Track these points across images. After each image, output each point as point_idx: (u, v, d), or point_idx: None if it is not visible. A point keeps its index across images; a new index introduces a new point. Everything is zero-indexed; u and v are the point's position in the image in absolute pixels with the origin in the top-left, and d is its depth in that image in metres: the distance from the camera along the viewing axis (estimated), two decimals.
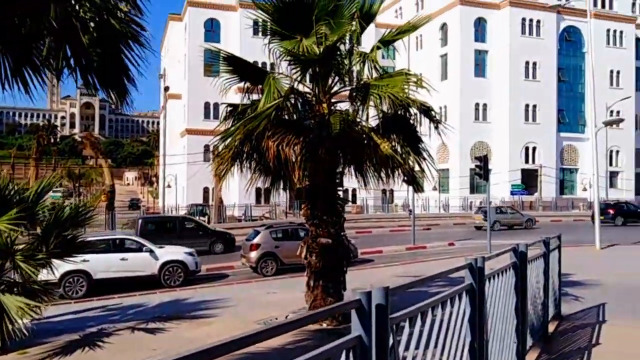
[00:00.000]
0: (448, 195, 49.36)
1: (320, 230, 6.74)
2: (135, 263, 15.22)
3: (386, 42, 6.75)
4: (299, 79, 6.74)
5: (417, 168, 6.72)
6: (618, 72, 52.37)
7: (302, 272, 16.20)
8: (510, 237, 24.79)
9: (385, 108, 6.23)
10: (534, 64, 49.94)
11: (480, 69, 50.73)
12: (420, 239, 24.17)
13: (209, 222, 39.06)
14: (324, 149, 5.97)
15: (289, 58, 6.37)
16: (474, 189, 48.57)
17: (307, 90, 6.98)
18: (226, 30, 49.99)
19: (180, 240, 21.44)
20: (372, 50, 6.51)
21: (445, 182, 51.09)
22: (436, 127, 6.92)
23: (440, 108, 51.82)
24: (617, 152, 52.52)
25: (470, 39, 50.05)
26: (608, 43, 52.12)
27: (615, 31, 52.63)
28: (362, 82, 6.48)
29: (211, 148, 6.78)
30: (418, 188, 7.17)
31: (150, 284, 14.66)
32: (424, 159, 6.95)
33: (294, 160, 5.80)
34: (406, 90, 6.13)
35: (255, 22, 8.34)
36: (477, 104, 50.02)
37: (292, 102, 6.40)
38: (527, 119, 49.63)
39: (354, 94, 6.57)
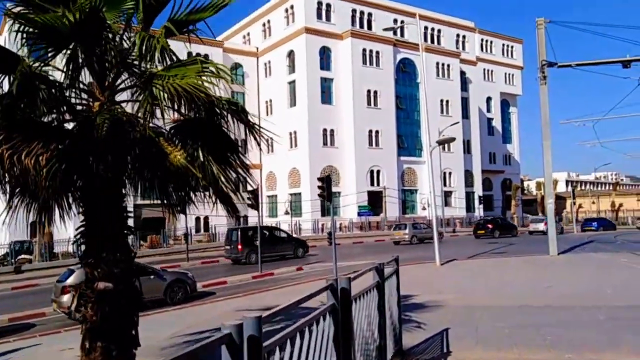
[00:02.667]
0: (300, 218, 49.31)
1: (98, 271, 4.97)
2: None
3: (181, 23, 5.29)
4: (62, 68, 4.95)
5: (224, 181, 5.23)
6: (447, 101, 57.71)
7: None
8: (407, 252, 25.68)
9: (173, 104, 4.77)
10: (375, 92, 52.70)
11: (326, 95, 52.09)
12: (268, 265, 23.01)
13: (32, 261, 33.67)
14: (95, 161, 4.30)
15: (38, 34, 4.54)
16: (325, 211, 49.18)
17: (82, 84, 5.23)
18: None
19: (272, 245, 26.44)
20: (161, 34, 5.01)
21: (297, 205, 51.13)
22: (252, 133, 5.62)
23: (290, 133, 52.17)
24: (450, 173, 57.50)
25: (316, 66, 51.26)
26: (438, 75, 57.26)
27: (443, 64, 58.10)
28: (147, 72, 4.91)
29: None
30: (232, 210, 5.77)
31: None
32: (237, 172, 5.56)
33: (36, 174, 4.00)
34: (203, 83, 4.72)
35: None
36: (325, 130, 51.08)
37: (45, 96, 4.58)
38: (370, 144, 51.91)
39: (138, 88, 5.00)
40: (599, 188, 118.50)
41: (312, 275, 18.85)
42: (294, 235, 32.48)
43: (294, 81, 52.54)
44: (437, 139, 40.91)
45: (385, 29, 22.94)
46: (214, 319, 10.90)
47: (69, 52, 4.70)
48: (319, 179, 16.90)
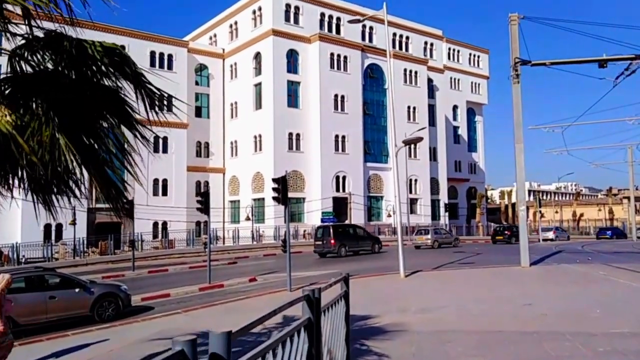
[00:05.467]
0: (263, 225, 47.42)
1: None
2: None
3: None
4: None
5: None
6: (414, 108, 56.94)
7: (46, 333, 11.88)
8: (417, 257, 25.65)
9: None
10: (343, 97, 51.45)
11: (293, 99, 50.51)
12: (221, 275, 21.16)
13: None
14: None
15: None
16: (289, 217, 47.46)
17: None
18: None
19: (356, 241, 30.81)
20: None
21: (261, 211, 49.25)
22: (139, 91, 3.93)
23: (255, 136, 50.32)
24: (416, 180, 56.64)
25: (283, 69, 49.66)
26: (405, 81, 56.46)
27: (410, 71, 57.37)
28: None
29: None
30: (118, 207, 4.07)
31: None
32: (110, 151, 3.83)
33: None
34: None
35: None
36: (290, 134, 49.45)
37: None
38: (337, 149, 50.57)
39: None
40: (560, 198, 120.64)
41: (263, 288, 17.10)
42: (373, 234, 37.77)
43: (260, 84, 50.79)
44: (403, 145, 39.80)
45: (350, 21, 21.51)
46: (121, 349, 9.00)
47: None
48: (273, 180, 15.24)
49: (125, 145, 4.16)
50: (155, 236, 47.10)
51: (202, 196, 18.41)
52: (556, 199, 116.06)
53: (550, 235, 47.88)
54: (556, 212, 74.81)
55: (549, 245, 37.26)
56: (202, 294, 17.00)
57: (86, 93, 3.51)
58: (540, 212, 50.14)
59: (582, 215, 78.20)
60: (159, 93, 4.01)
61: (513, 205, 72.44)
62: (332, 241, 28.98)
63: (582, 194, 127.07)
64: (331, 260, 27.72)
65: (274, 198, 15.38)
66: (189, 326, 10.42)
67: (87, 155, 3.39)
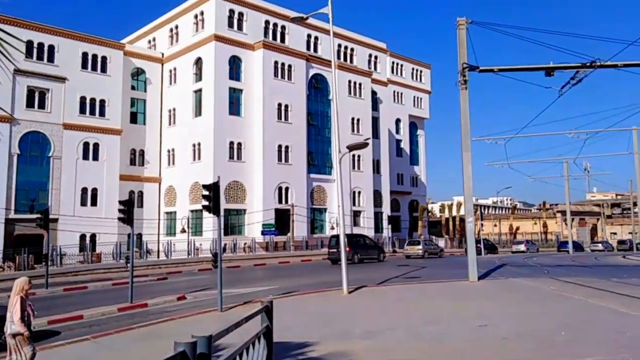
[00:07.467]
0: (201, 237, 45.10)
1: None
2: None
3: None
4: None
5: None
6: (358, 120, 56.53)
7: None
8: (360, 272, 24.07)
9: None
10: (286, 106, 50.25)
11: (235, 107, 48.74)
12: (147, 293, 19.12)
13: None
14: None
15: None
16: (229, 230, 45.50)
17: None
18: None
19: (366, 250, 33.69)
20: None
21: (199, 223, 46.90)
22: None
23: (194, 145, 48.07)
24: (359, 192, 56.06)
25: (225, 76, 47.84)
26: (349, 93, 56.00)
27: (355, 83, 57.03)
28: None
29: None
30: None
31: None
32: None
33: None
34: None
35: None
36: (232, 143, 47.57)
37: None
38: (280, 159, 49.16)
39: None
40: (496, 212, 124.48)
41: (193, 307, 15.30)
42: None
43: (200, 90, 48.70)
44: (347, 156, 39.09)
45: (293, 19, 20.22)
46: None
47: None
48: (204, 187, 13.62)
49: None
50: (82, 249, 43.64)
51: (125, 205, 16.44)
52: (494, 212, 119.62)
53: (522, 247, 53.42)
54: (495, 225, 76.62)
55: (491, 258, 37.37)
56: (121, 315, 14.98)
57: None
58: (482, 224, 50.84)
59: (518, 228, 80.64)
60: None
61: (454, 218, 73.47)
62: (348, 248, 29.58)
63: (518, 208, 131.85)
64: (297, 272, 26.19)
65: (204, 207, 13.75)
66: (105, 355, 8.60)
67: None
